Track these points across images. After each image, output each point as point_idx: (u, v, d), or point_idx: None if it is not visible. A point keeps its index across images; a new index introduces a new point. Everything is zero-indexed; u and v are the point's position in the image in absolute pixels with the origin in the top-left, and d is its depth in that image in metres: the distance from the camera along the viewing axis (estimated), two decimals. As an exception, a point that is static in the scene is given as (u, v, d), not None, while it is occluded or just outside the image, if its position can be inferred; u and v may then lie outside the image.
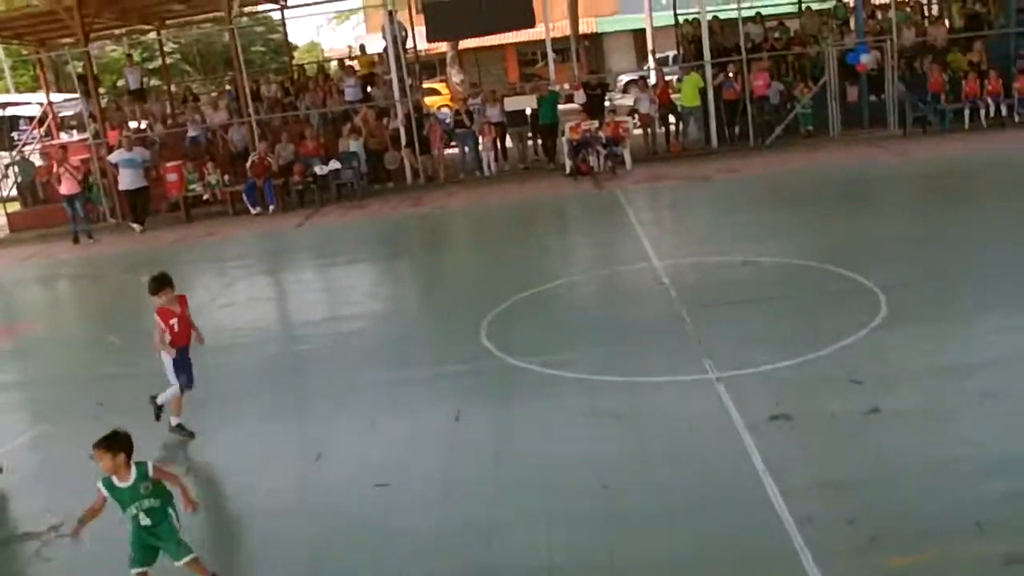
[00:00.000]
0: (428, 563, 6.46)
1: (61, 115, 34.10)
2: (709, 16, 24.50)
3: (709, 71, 23.53)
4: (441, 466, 7.95)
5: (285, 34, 39.05)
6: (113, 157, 23.95)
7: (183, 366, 9.01)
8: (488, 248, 17.62)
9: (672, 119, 24.59)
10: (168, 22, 33.83)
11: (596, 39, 52.67)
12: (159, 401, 9.06)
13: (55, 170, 23.68)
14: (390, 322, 13.08)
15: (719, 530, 6.30)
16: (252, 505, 7.69)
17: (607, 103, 25.08)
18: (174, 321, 8.88)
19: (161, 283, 8.92)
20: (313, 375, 10.44)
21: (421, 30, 30.38)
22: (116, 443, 6.06)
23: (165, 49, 38.22)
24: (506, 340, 10.59)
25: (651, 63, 38.21)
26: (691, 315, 10.67)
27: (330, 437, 8.89)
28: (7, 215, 27.21)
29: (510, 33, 34.09)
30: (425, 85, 35.17)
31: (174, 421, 9.01)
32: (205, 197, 24.19)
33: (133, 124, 27.89)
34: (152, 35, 36.82)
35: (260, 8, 36.31)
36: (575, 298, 13.06)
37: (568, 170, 22.19)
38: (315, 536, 7.07)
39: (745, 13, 25.39)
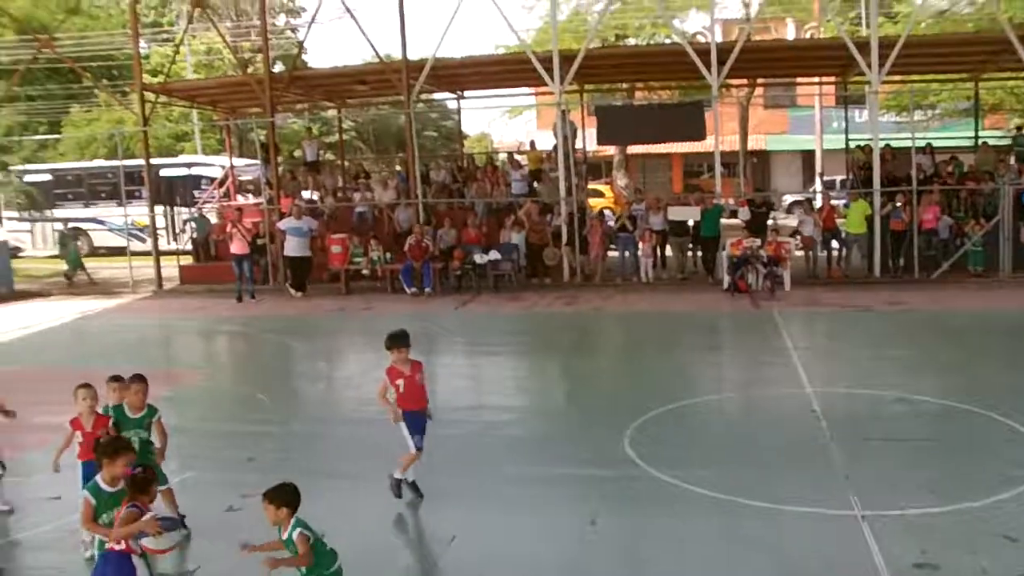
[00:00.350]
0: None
1: (240, 178, 35.70)
2: (881, 144, 24.25)
3: (877, 199, 23.23)
4: (572, 569, 7.94)
5: (459, 122, 40.18)
6: (283, 224, 24.93)
7: (415, 427, 9.25)
8: (638, 355, 17.59)
9: (835, 244, 24.29)
10: (349, 101, 35.22)
11: (764, 156, 52.50)
12: (396, 476, 9.29)
13: (228, 229, 24.82)
14: (535, 417, 13.17)
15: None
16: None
17: (770, 222, 24.95)
18: (400, 382, 9.19)
19: (395, 340, 9.31)
20: (455, 460, 10.53)
21: (591, 132, 30.91)
22: (281, 496, 6.32)
23: (343, 126, 39.75)
24: (649, 450, 10.54)
25: (818, 185, 37.90)
26: (840, 447, 10.45)
27: (466, 523, 8.97)
28: (180, 267, 28.45)
29: (677, 143, 34.45)
30: (590, 186, 35.60)
31: (397, 475, 9.29)
32: (364, 272, 24.88)
33: (305, 194, 28.98)
34: (332, 112, 38.39)
35: (437, 96, 37.43)
36: (722, 416, 12.93)
37: (726, 285, 22.08)
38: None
39: (919, 143, 25.07)
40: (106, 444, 6.94)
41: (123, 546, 6.32)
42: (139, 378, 8.56)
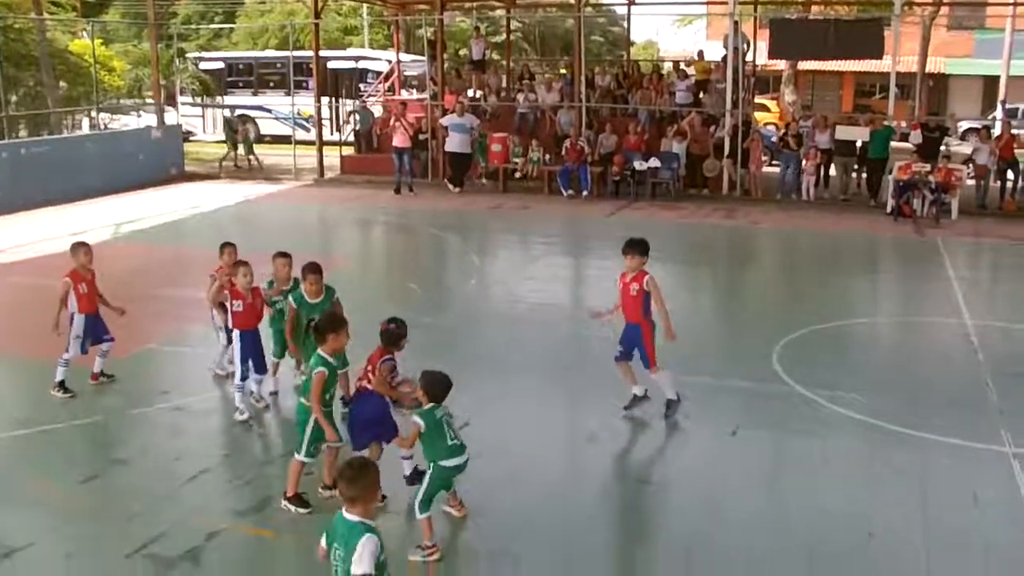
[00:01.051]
0: (684, 572, 6.55)
1: (405, 74, 36.04)
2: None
3: (1063, 129, 22.12)
4: (710, 478, 8.01)
5: (628, 29, 39.62)
6: (445, 120, 25.13)
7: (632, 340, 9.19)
8: (793, 273, 17.34)
9: (1011, 175, 23.25)
10: (518, 2, 35.01)
11: (941, 80, 50.25)
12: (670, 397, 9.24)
13: (392, 123, 25.19)
14: (683, 327, 13.09)
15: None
16: (517, 475, 7.98)
17: (943, 148, 23.97)
18: (635, 287, 9.13)
19: (632, 246, 9.34)
20: (596, 363, 10.62)
21: (761, 44, 30.08)
22: (424, 382, 6.78)
23: (510, 27, 39.62)
24: (797, 368, 10.46)
25: (998, 113, 36.20)
26: (996, 382, 10.16)
27: (605, 424, 9.11)
28: (342, 158, 29.06)
29: (852, 61, 33.25)
30: (756, 100, 34.77)
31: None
32: (518, 174, 24.97)
33: (469, 92, 29.10)
34: (500, 12, 38.28)
35: (606, 1, 36.92)
36: (875, 339, 12.71)
37: (889, 210, 21.41)
38: (570, 520, 7.31)
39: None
40: (331, 318, 7.54)
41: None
42: (315, 267, 8.98)
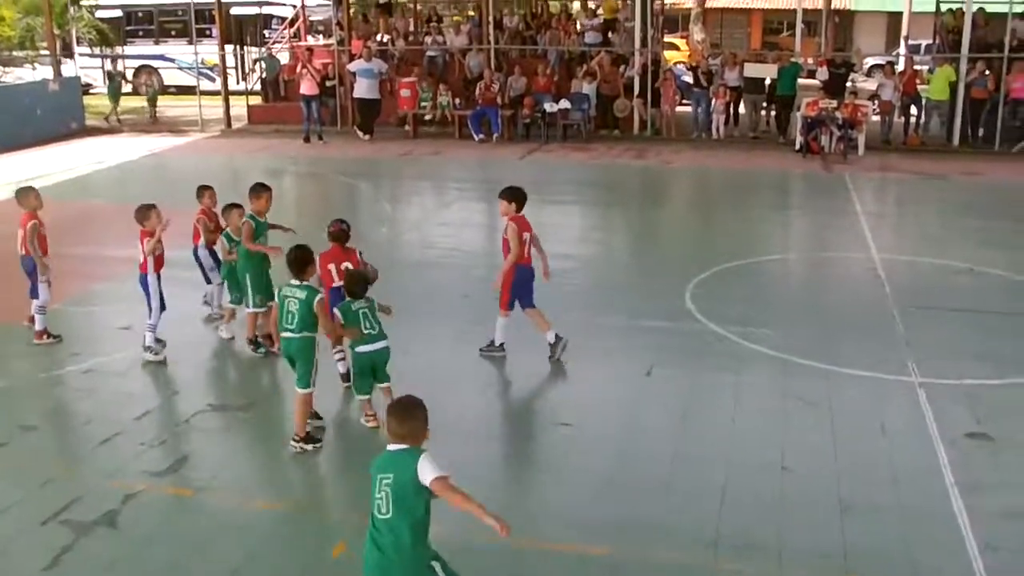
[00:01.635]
0: (600, 508, 6.59)
1: (311, 19, 35.34)
2: (975, 7, 23.29)
3: (964, 65, 22.43)
4: (626, 418, 8.07)
5: (537, -32, 39.33)
6: (352, 66, 24.73)
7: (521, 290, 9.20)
8: (704, 211, 17.50)
9: (914, 110, 23.62)
10: (426, -61, 34.49)
11: (847, 16, 50.80)
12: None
13: (298, 70, 24.71)
14: (596, 268, 13.20)
15: (895, 537, 6.20)
16: (433, 421, 7.94)
17: (849, 84, 24.23)
18: (526, 235, 9.16)
19: (500, 193, 9.49)
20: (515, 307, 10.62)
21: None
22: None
23: (418, -33, 39.02)
24: (709, 305, 10.56)
25: (902, 49, 36.69)
26: (902, 314, 10.37)
27: (519, 369, 9.12)
28: (248, 107, 28.48)
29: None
30: (665, 39, 34.80)
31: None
32: (427, 117, 24.72)
33: (377, 37, 28.66)
34: (408, -49, 37.66)
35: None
36: (785, 275, 12.90)
37: (798, 146, 21.63)
38: (492, 462, 7.33)
39: (1017, 8, 23.97)
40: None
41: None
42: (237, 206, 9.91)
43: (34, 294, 9.89)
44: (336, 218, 8.79)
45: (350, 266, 8.41)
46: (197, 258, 10.43)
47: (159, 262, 9.37)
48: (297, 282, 7.47)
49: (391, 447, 4.77)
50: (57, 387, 9.07)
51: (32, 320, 10.00)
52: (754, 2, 41.17)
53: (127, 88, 30.58)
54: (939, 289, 11.73)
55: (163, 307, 9.40)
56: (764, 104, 24.40)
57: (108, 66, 32.93)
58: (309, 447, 7.50)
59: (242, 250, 9.50)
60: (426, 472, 4.60)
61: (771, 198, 18.23)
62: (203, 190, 10.57)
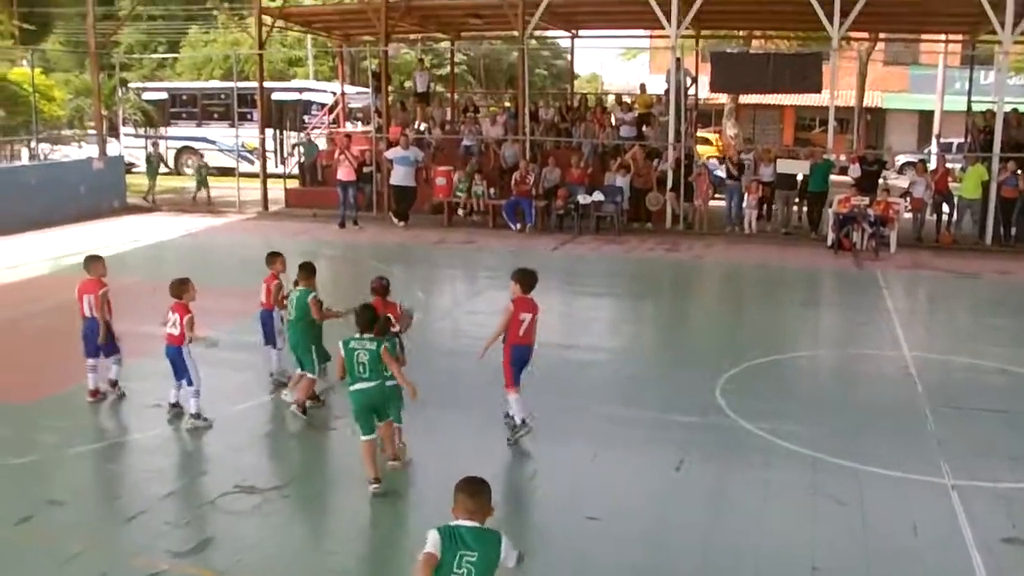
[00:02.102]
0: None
1: (350, 106, 36.02)
2: (1007, 108, 23.45)
3: (996, 164, 22.52)
4: (655, 514, 8.04)
5: (571, 62, 39.94)
6: (390, 153, 25.13)
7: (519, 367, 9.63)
8: (735, 306, 17.48)
9: (946, 208, 23.66)
10: (463, 34, 35.16)
11: (879, 114, 51.16)
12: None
13: (336, 156, 25.13)
14: (627, 359, 13.21)
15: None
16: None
17: (881, 181, 24.36)
18: (525, 316, 9.60)
19: (522, 277, 9.92)
20: (542, 396, 10.63)
21: (703, 78, 30.46)
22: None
23: (454, 59, 39.78)
24: (739, 401, 10.53)
25: (934, 147, 36.87)
26: (934, 414, 10.30)
27: (548, 459, 9.11)
28: (286, 190, 28.89)
29: (792, 94, 33.75)
30: (698, 133, 35.15)
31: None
32: (463, 207, 24.97)
33: (414, 125, 29.12)
34: (445, 44, 38.42)
35: (551, 33, 37.15)
36: (816, 372, 12.85)
37: (830, 243, 21.70)
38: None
39: (1048, 110, 24.13)
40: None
41: None
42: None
43: (91, 353, 10.41)
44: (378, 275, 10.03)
45: (392, 318, 9.41)
46: (264, 321, 11.09)
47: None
48: (361, 335, 8.31)
49: (463, 523, 4.89)
50: (85, 462, 9.17)
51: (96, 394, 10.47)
52: (786, 99, 41.51)
53: (165, 168, 31.11)
54: (972, 389, 11.65)
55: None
56: (796, 200, 24.52)
57: (149, 147, 33.41)
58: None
59: (302, 321, 10.17)
60: (510, 555, 4.94)
61: (803, 294, 18.24)
62: (274, 256, 11.36)
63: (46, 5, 44.51)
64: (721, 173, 25.78)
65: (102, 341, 10.33)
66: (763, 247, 22.10)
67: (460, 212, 25.02)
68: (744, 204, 23.80)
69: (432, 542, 4.79)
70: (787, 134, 51.09)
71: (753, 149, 25.76)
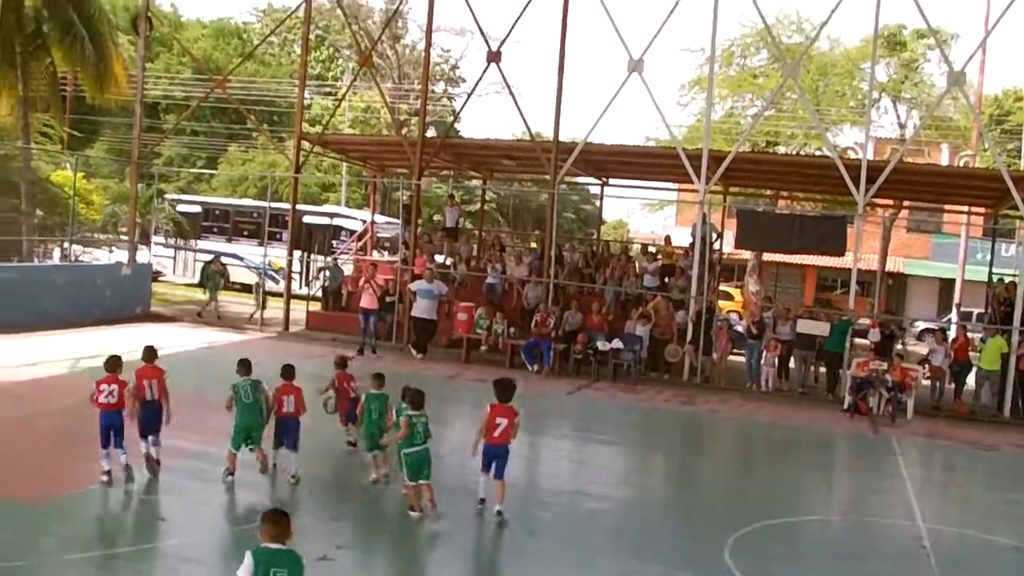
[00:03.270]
0: None
1: (378, 235, 36.54)
2: (1028, 280, 23.58)
3: (1016, 337, 22.55)
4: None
5: (600, 208, 40.53)
6: (414, 285, 25.39)
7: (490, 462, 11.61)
8: (748, 464, 17.35)
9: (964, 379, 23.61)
10: (495, 174, 35.82)
11: (901, 279, 51.49)
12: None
13: (361, 283, 25.39)
14: (635, 511, 13.08)
15: None
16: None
17: (898, 347, 24.41)
18: (502, 420, 11.55)
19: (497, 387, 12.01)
20: (547, 542, 10.55)
21: (728, 233, 30.83)
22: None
23: (485, 197, 40.46)
24: (748, 563, 10.39)
25: (954, 316, 36.97)
26: (947, 591, 10.15)
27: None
28: (308, 312, 29.13)
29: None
30: (720, 287, 35.40)
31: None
32: (483, 344, 25.11)
33: (439, 258, 29.46)
34: (476, 182, 39.12)
35: (582, 180, 37.79)
36: (827, 539, 12.68)
37: (846, 405, 21.64)
38: None
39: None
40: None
41: None
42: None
43: (146, 433, 11.76)
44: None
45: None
46: (292, 428, 12.30)
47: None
48: (417, 411, 11.32)
49: (271, 545, 6.23)
50: (74, 571, 9.08)
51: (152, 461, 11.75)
52: (809, 258, 41.88)
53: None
54: (988, 566, 11.51)
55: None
56: (814, 360, 24.54)
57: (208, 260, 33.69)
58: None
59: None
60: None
61: (816, 456, 18.14)
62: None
63: (97, 114, 45.90)
64: (741, 328, 25.88)
65: (167, 422, 11.80)
66: (779, 406, 22.05)
67: (482, 348, 25.12)
68: (762, 361, 23.84)
69: (247, 565, 6.11)
70: (808, 293, 51.35)
71: (774, 307, 25.86)
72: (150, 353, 12.38)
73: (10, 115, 31.49)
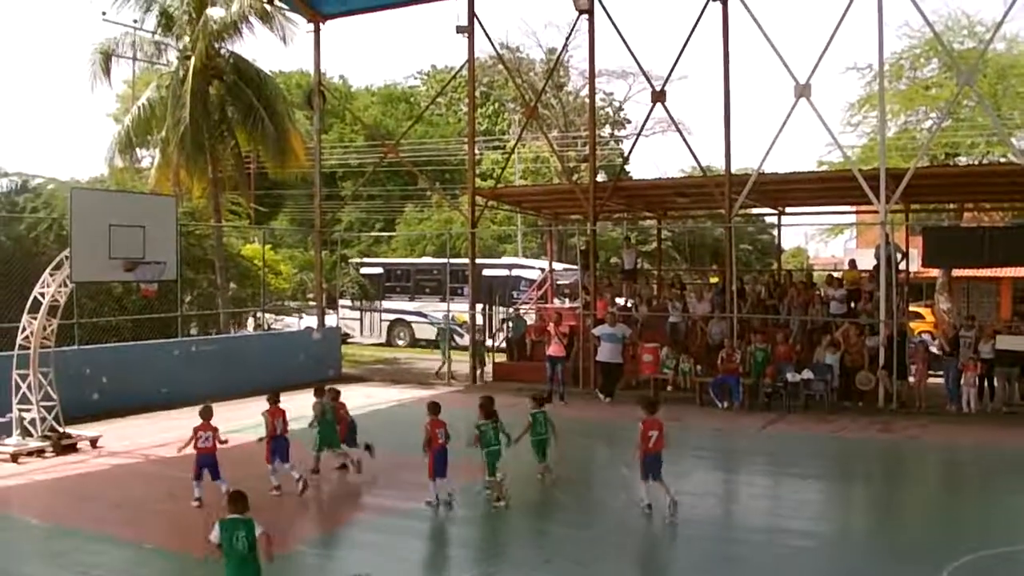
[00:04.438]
0: None
1: (557, 282, 36.86)
2: None
3: None
4: None
5: (778, 238, 39.90)
6: (597, 330, 25.52)
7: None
8: (956, 491, 16.59)
9: None
10: (669, 213, 35.74)
11: (1110, 283, 48.83)
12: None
13: (547, 331, 25.63)
14: (838, 548, 12.74)
15: None
16: None
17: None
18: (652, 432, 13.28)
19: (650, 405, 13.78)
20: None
21: (913, 251, 29.91)
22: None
23: (661, 236, 40.38)
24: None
25: None
26: None
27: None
28: (494, 364, 29.56)
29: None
30: (910, 308, 34.30)
31: None
32: (670, 384, 24.95)
33: (620, 301, 29.52)
34: (651, 222, 39.12)
35: (756, 211, 37.33)
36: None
37: (1058, 423, 20.65)
38: None
39: None
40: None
41: None
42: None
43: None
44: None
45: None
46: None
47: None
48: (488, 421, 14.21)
49: (233, 516, 8.68)
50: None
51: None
52: (1003, 271, 40.12)
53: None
54: None
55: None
56: (1018, 376, 23.45)
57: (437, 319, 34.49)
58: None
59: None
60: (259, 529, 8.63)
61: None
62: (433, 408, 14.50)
63: (279, 188, 48.07)
64: (935, 349, 25.01)
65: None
66: (983, 427, 21.15)
67: (668, 388, 24.97)
68: (962, 382, 22.93)
69: (215, 531, 8.63)
70: (1004, 307, 49.15)
71: (975, 325, 24.75)
72: (272, 396, 15.23)
73: (202, 197, 33.30)
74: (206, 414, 14.15)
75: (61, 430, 18.51)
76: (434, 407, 14.33)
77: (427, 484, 13.70)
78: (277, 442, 14.66)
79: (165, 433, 19.07)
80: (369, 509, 14.33)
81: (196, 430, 13.97)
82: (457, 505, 13.78)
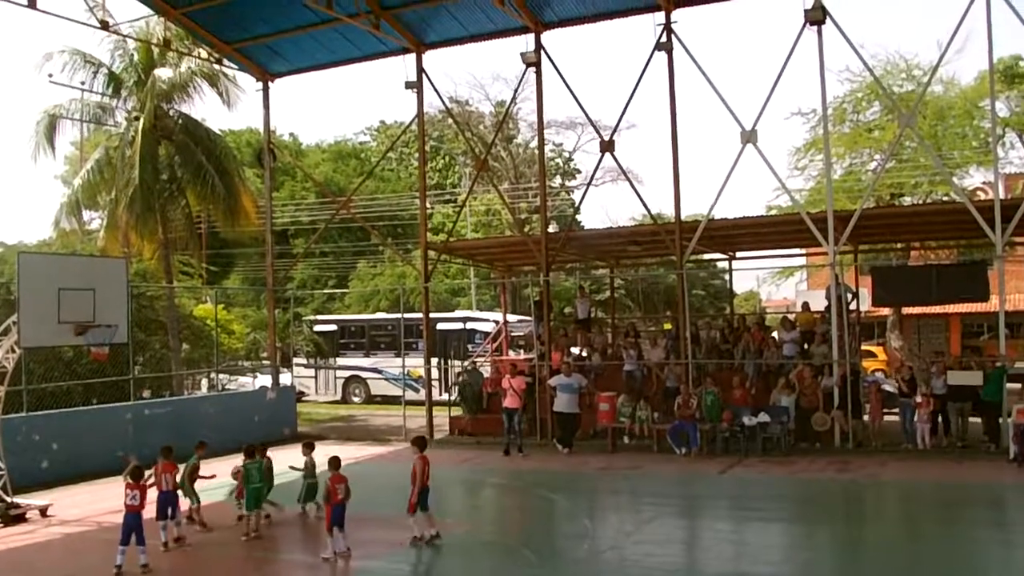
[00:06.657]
0: None
1: (512, 334, 36.85)
2: None
3: None
4: None
5: (730, 283, 40.22)
6: (553, 380, 25.51)
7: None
8: (918, 528, 16.63)
9: None
10: (621, 261, 35.94)
11: (1054, 317, 49.63)
12: None
13: (503, 384, 25.57)
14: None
15: None
16: None
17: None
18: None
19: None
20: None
21: (863, 291, 30.27)
22: None
23: (614, 285, 40.61)
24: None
25: (1117, 350, 35.40)
26: None
27: None
28: (450, 418, 29.43)
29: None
30: (862, 347, 34.62)
31: None
32: (627, 433, 24.89)
33: (575, 350, 29.54)
34: (604, 271, 39.36)
35: (708, 256, 37.69)
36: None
37: (1011, 455, 20.82)
38: None
39: None
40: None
41: None
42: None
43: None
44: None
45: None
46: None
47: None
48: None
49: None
50: None
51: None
52: (951, 308, 40.70)
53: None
54: None
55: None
56: (971, 411, 23.70)
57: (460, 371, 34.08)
58: None
59: None
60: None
61: (987, 514, 17.30)
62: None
63: (230, 246, 47.94)
64: (888, 387, 25.22)
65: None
66: (940, 463, 21.34)
67: (625, 439, 24.94)
68: (915, 418, 23.14)
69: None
70: (954, 343, 49.79)
71: (937, 361, 24.98)
72: (335, 463, 15.12)
73: (153, 258, 33.09)
74: (136, 475, 14.18)
75: (9, 500, 18.10)
76: (334, 462, 14.86)
77: (326, 539, 14.14)
78: (165, 497, 15.10)
79: (118, 499, 18.69)
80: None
81: (126, 488, 14.11)
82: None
